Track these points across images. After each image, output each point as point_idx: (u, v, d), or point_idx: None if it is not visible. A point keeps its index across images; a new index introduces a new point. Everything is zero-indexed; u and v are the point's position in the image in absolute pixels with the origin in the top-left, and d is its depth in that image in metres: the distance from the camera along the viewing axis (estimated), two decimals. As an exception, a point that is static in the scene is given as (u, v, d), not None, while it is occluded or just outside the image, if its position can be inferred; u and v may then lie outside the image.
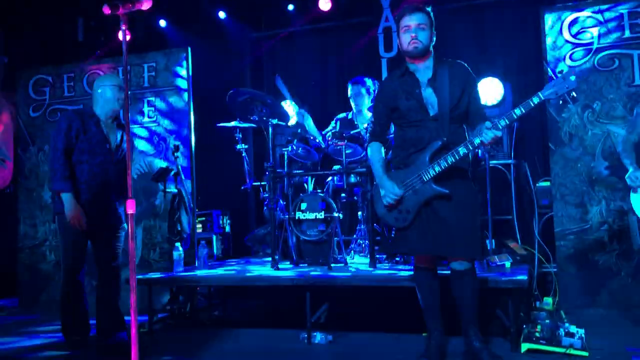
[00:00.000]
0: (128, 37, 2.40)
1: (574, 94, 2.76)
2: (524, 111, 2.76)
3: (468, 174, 3.03)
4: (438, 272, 3.13)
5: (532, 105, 2.75)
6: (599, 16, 4.35)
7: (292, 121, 5.24)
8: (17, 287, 5.65)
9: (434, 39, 2.99)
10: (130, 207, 2.34)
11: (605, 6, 4.33)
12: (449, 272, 3.04)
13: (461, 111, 2.96)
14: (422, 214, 2.92)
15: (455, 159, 2.83)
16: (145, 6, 2.38)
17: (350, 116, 5.13)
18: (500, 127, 2.77)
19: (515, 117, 2.77)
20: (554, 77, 2.76)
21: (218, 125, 5.14)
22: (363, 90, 5.02)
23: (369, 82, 5.04)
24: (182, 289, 4.66)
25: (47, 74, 5.71)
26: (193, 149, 5.24)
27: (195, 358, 3.44)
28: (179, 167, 4.79)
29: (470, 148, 2.83)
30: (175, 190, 4.75)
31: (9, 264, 5.71)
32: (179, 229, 4.70)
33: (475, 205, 3.04)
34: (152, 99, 5.39)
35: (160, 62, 5.40)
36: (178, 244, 4.58)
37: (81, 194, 3.56)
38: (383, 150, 3.14)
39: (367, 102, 5.00)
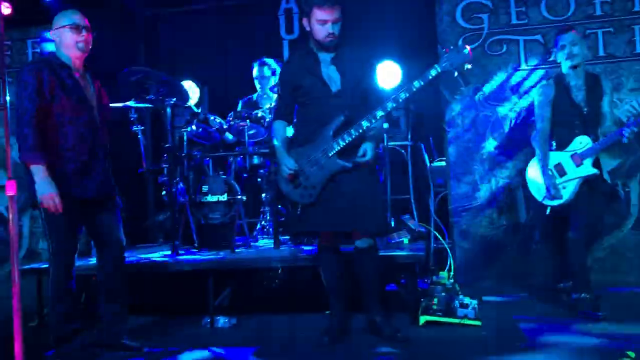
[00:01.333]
0: (9, 11, 2.18)
1: (468, 66, 2.88)
2: (422, 83, 2.84)
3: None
4: (340, 249, 3.17)
5: (430, 77, 2.84)
6: (488, 3, 4.58)
7: (193, 101, 5.08)
8: None
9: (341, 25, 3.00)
10: (11, 189, 2.15)
11: (495, -6, 4.57)
12: (351, 249, 3.09)
13: (363, 88, 3.01)
14: (326, 190, 2.93)
15: (358, 133, 2.87)
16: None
17: (255, 97, 5.05)
18: (400, 100, 2.84)
19: (414, 89, 2.85)
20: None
21: (110, 105, 4.84)
22: (267, 72, 4.97)
23: (273, 63, 4.99)
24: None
25: None
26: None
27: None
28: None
29: (373, 121, 2.87)
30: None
31: None
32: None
33: (377, 182, 3.12)
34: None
35: (48, 38, 5.01)
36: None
37: (67, 163, 2.91)
38: (288, 128, 3.12)
39: (271, 83, 4.95)
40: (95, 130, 3.03)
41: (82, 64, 3.08)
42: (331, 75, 2.98)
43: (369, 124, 2.87)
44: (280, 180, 3.06)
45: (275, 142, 3.07)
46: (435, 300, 3.54)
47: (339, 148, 2.89)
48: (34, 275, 3.92)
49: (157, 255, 4.34)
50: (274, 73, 4.98)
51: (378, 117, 2.87)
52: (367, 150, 2.91)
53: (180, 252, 4.23)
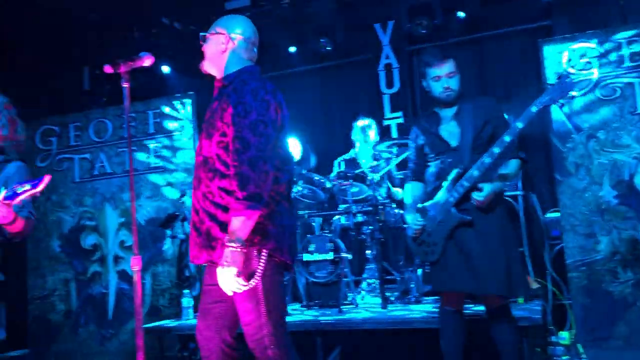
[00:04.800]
0: (150, 62, 2.41)
1: (572, 93, 2.73)
2: (525, 123, 2.74)
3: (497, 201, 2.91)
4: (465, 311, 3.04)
5: (532, 113, 2.73)
6: (597, 47, 4.38)
7: (297, 156, 5.26)
8: (27, 338, 5.61)
9: (460, 79, 3.01)
10: (136, 264, 2.32)
11: (604, 37, 4.37)
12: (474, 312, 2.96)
13: (483, 141, 2.91)
14: (448, 247, 2.86)
15: (470, 183, 2.79)
16: (147, 63, 2.41)
17: (354, 155, 5.14)
18: (506, 143, 2.75)
19: (517, 129, 2.75)
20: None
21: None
22: (366, 130, 5.04)
23: (370, 121, 5.07)
24: (193, 336, 4.60)
25: (54, 124, 5.79)
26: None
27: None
28: (186, 212, 4.79)
29: (482, 169, 2.78)
30: (183, 236, 4.74)
31: (19, 315, 5.68)
32: (187, 274, 4.68)
33: (505, 235, 2.88)
34: (158, 145, 5.44)
35: (164, 108, 5.46)
36: (187, 290, 4.55)
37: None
38: (420, 186, 3.10)
39: (370, 140, 5.01)
40: None
41: None
42: (451, 130, 2.96)
43: (478, 172, 2.78)
44: (408, 238, 3.05)
45: (405, 201, 3.11)
46: (556, 366, 3.32)
47: (454, 200, 2.82)
48: (157, 333, 4.17)
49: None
50: (370, 131, 5.03)
51: (486, 164, 2.77)
52: (484, 187, 2.77)
53: (289, 309, 4.31)
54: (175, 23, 6.00)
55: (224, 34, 2.31)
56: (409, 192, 3.12)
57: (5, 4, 5.10)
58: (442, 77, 2.95)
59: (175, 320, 4.49)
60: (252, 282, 2.07)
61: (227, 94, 2.19)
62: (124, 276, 5.42)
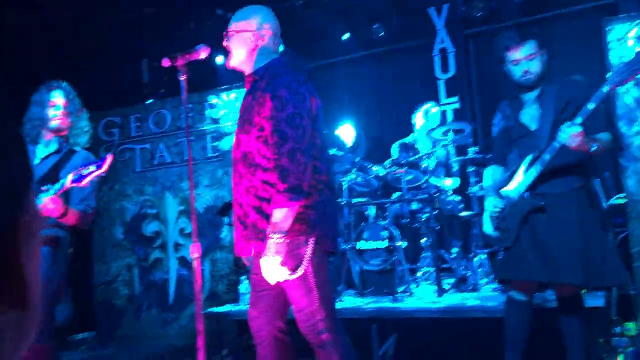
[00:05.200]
0: (206, 54, 2.45)
1: None
2: (597, 103, 2.60)
3: (576, 185, 2.78)
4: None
5: (603, 94, 2.57)
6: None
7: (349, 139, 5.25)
8: (93, 322, 5.89)
9: (546, 59, 2.87)
10: (196, 251, 2.40)
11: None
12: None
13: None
14: (522, 234, 2.78)
15: (542, 166, 2.69)
16: (203, 55, 2.45)
17: (411, 140, 5.08)
18: (578, 124, 2.59)
19: (589, 110, 2.60)
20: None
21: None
22: (428, 114, 4.97)
23: (433, 105, 4.99)
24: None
25: (115, 116, 6.00)
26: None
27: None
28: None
29: (553, 152, 2.66)
30: (240, 224, 4.83)
31: (86, 300, 5.97)
32: (245, 261, 4.77)
33: (583, 220, 2.71)
34: (214, 134, 5.55)
35: (221, 99, 5.56)
36: (244, 277, 4.65)
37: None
38: (500, 170, 3.00)
39: (430, 126, 4.93)
40: None
41: None
42: (532, 114, 2.87)
43: (549, 155, 2.67)
44: (484, 222, 2.97)
45: (484, 185, 3.05)
46: (621, 358, 3.21)
47: (527, 185, 2.74)
48: (215, 318, 4.29)
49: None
50: (427, 116, 4.96)
51: (557, 147, 2.65)
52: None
53: (344, 296, 4.35)
54: (230, 14, 6.08)
55: (252, 31, 2.29)
56: (489, 176, 3.04)
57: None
58: (522, 61, 2.82)
59: (234, 305, 4.61)
60: (299, 271, 2.11)
61: (261, 88, 2.21)
62: (184, 262, 5.59)
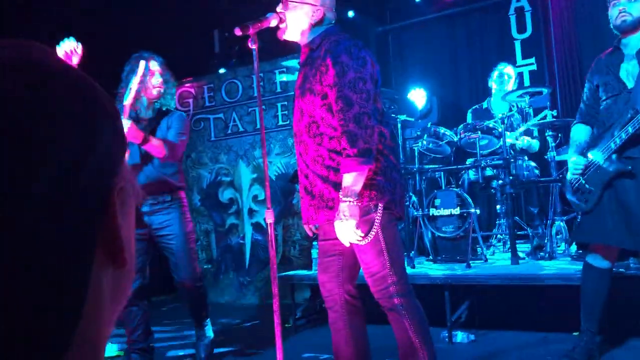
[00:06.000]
0: (253, 46, 2.48)
1: None
2: None
3: None
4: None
5: None
6: None
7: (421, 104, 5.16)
8: (173, 285, 6.18)
9: None
10: (270, 217, 2.46)
11: None
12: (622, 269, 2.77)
13: None
14: (605, 197, 2.66)
15: (634, 129, 2.54)
16: (274, 23, 2.46)
17: (485, 105, 4.93)
18: None
19: None
20: None
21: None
22: (504, 77, 4.80)
23: (511, 67, 4.81)
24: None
25: (190, 86, 6.18)
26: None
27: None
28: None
29: None
30: (311, 190, 4.90)
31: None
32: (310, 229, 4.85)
33: None
34: (285, 103, 5.61)
35: (291, 66, 5.59)
36: (315, 242, 4.72)
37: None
38: (588, 130, 2.90)
39: (507, 89, 4.75)
40: None
41: None
42: (630, 70, 2.71)
43: None
44: (565, 183, 2.88)
45: (572, 144, 2.89)
46: None
47: (615, 147, 2.60)
48: (288, 282, 4.41)
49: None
50: (508, 78, 4.78)
51: None
52: None
53: (416, 263, 4.34)
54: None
55: (315, 5, 2.25)
56: (575, 135, 2.90)
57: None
58: (620, 0, 2.67)
59: (306, 270, 4.71)
60: (371, 235, 2.13)
61: (319, 56, 2.20)
62: (258, 228, 5.75)
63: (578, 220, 2.75)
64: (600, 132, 2.75)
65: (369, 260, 2.19)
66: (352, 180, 2.06)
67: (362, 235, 2.12)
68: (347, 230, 2.08)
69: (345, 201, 2.07)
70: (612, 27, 2.76)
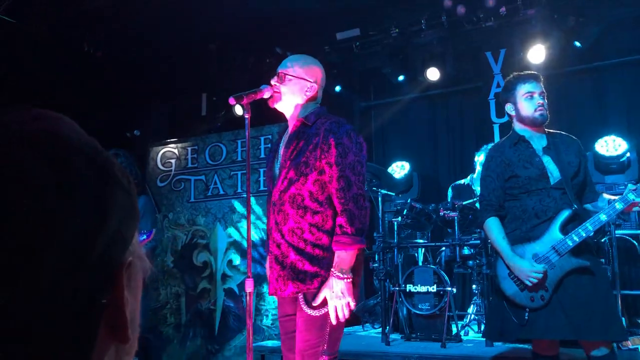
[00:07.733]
0: (246, 115, 2.52)
1: None
2: (609, 217, 2.62)
3: (592, 246, 2.83)
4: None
5: (613, 215, 2.64)
6: None
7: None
8: (140, 346, 5.97)
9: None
10: (250, 286, 2.42)
11: None
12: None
13: (579, 181, 2.79)
14: (558, 294, 2.66)
15: (594, 227, 2.61)
16: (267, 95, 2.50)
17: (468, 181, 5.02)
18: (629, 199, 2.58)
19: (616, 211, 2.61)
20: None
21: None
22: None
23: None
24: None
25: (174, 147, 6.20)
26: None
27: None
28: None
29: (611, 213, 2.61)
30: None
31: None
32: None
33: (607, 280, 2.80)
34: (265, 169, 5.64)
35: (276, 134, 5.68)
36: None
37: None
38: (500, 223, 2.85)
39: None
40: None
41: None
42: (547, 165, 2.78)
43: (606, 218, 2.63)
44: (502, 281, 2.78)
45: (502, 244, 2.74)
46: None
47: (572, 245, 2.63)
48: (259, 353, 4.29)
49: (366, 341, 4.44)
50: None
51: (618, 209, 2.61)
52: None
53: (390, 340, 4.27)
54: (288, 52, 6.26)
55: (311, 82, 2.37)
56: (498, 231, 2.77)
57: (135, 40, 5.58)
58: (536, 94, 2.78)
59: (278, 341, 4.59)
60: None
61: (318, 134, 2.25)
62: (231, 294, 5.64)
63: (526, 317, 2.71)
64: (529, 227, 2.73)
65: (311, 336, 2.20)
66: (348, 257, 2.13)
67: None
68: (339, 306, 2.13)
69: (342, 278, 2.11)
70: (521, 117, 2.82)
